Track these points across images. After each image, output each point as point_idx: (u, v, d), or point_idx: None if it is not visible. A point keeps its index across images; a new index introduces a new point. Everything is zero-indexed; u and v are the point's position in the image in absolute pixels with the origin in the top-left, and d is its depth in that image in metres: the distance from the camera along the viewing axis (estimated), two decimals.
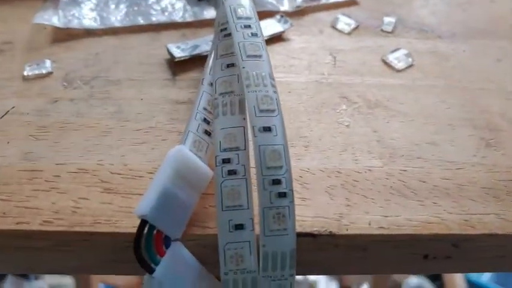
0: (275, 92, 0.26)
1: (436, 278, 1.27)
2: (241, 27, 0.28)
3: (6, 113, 0.34)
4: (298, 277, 1.24)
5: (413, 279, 1.28)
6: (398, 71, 0.38)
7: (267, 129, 0.25)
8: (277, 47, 0.39)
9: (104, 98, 0.35)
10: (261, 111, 0.26)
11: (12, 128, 0.33)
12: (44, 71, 0.36)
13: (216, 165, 0.26)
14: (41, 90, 0.35)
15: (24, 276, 1.25)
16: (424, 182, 0.30)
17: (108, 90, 0.35)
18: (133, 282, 1.27)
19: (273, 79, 0.27)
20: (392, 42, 0.40)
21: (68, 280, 1.22)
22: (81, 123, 0.33)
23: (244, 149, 0.26)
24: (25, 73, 0.36)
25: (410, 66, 0.38)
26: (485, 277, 1.20)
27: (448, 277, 1.16)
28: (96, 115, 0.33)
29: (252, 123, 0.25)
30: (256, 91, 0.26)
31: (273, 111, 0.26)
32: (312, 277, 1.30)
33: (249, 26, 0.29)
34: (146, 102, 0.34)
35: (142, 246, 0.25)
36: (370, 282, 1.03)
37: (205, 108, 0.30)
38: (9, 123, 0.33)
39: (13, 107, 0.34)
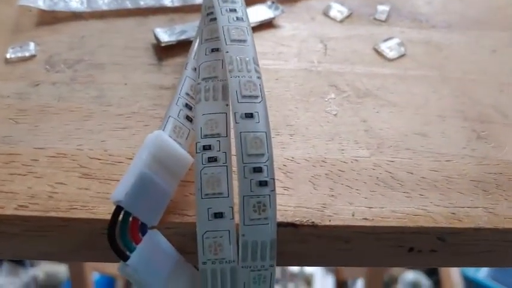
0: (259, 77, 0.26)
1: (432, 273, 1.27)
2: (226, 10, 0.28)
3: None
4: (294, 270, 1.25)
5: (409, 274, 1.28)
6: (390, 60, 0.37)
7: (249, 115, 0.25)
8: (266, 34, 0.38)
9: (86, 82, 0.34)
10: (244, 97, 0.25)
11: None
12: (27, 54, 0.35)
13: (197, 152, 0.25)
14: (23, 74, 0.34)
15: (20, 264, 1.26)
16: (411, 173, 0.30)
17: (91, 74, 0.34)
18: None
19: (258, 65, 0.26)
20: (385, 31, 0.39)
21: (62, 268, 1.22)
22: (62, 107, 0.32)
23: (226, 136, 0.25)
24: (8, 56, 0.35)
25: (402, 55, 0.37)
26: (482, 273, 1.19)
27: (444, 273, 1.16)
28: (78, 99, 0.33)
29: (234, 109, 0.25)
30: (239, 76, 0.25)
31: (256, 97, 0.25)
32: (307, 270, 1.30)
33: (235, 10, 0.28)
34: (130, 87, 0.34)
35: (117, 233, 0.24)
36: (366, 276, 1.02)
37: (187, 94, 0.29)
38: None
39: None
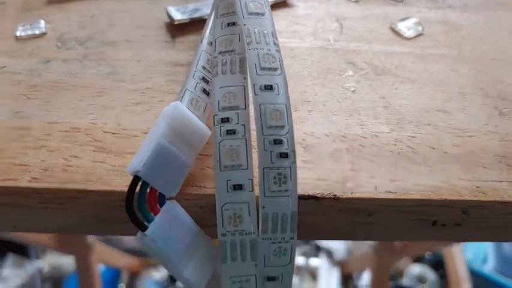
0: (277, 51, 0.25)
1: (438, 267, 1.26)
2: None
3: None
4: (299, 263, 1.24)
5: (415, 268, 1.27)
6: (408, 39, 0.36)
7: (269, 87, 0.24)
8: (281, 13, 0.38)
9: (98, 59, 0.33)
10: (263, 69, 0.24)
11: (3, 87, 0.31)
12: (37, 32, 0.35)
13: (214, 125, 0.24)
14: (34, 51, 0.34)
15: (25, 256, 1.25)
16: (433, 148, 0.29)
17: (103, 51, 0.34)
18: (135, 264, 1.26)
19: (276, 38, 0.26)
20: (401, 11, 0.38)
21: (68, 260, 1.21)
22: (74, 83, 0.31)
23: (245, 109, 0.25)
24: (18, 33, 0.35)
25: (420, 35, 0.37)
26: (488, 266, 1.19)
27: (450, 266, 1.15)
28: (90, 75, 0.32)
29: (253, 81, 0.24)
30: (257, 49, 0.25)
31: (275, 69, 0.24)
32: (313, 263, 1.29)
33: None
34: (143, 64, 0.33)
35: (135, 204, 0.24)
36: (373, 270, 1.01)
37: (204, 67, 0.28)
38: (0, 82, 0.31)
39: (4, 67, 0.32)
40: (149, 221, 0.24)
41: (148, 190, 0.24)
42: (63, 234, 0.78)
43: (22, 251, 1.25)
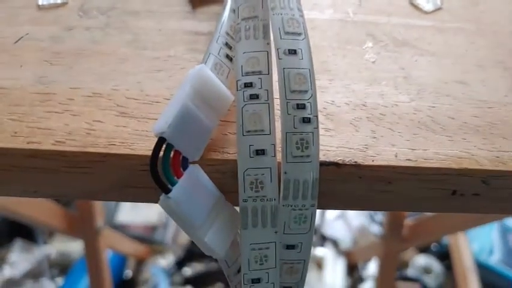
0: (301, 16, 0.25)
1: (444, 258, 1.26)
2: None
3: (20, 39, 0.32)
4: None
5: (420, 259, 1.28)
6: (427, 12, 0.36)
7: (293, 52, 0.24)
8: None
9: (120, 27, 0.33)
10: (287, 33, 0.24)
11: (26, 53, 0.31)
12: (59, 1, 0.35)
13: (237, 90, 0.24)
14: (56, 19, 0.34)
15: (33, 241, 1.26)
16: (453, 118, 0.29)
17: (125, 20, 0.34)
18: (142, 251, 1.27)
19: (300, 4, 0.26)
20: None
21: (75, 245, 1.22)
22: (96, 50, 0.32)
23: (268, 74, 0.25)
24: (40, 2, 0.35)
25: (438, 8, 0.36)
26: (494, 258, 1.19)
27: (456, 257, 1.15)
28: (113, 43, 0.32)
29: (277, 45, 0.24)
30: (281, 14, 0.25)
31: (299, 34, 0.25)
32: (318, 253, 1.30)
33: None
34: (164, 33, 0.33)
35: (159, 165, 0.24)
36: (380, 258, 1.01)
37: (227, 33, 0.29)
38: (23, 49, 0.32)
39: (27, 34, 0.33)
40: (172, 185, 0.24)
41: (172, 154, 0.25)
42: (85, 199, 0.78)
43: (30, 236, 1.26)
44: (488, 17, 0.36)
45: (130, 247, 1.23)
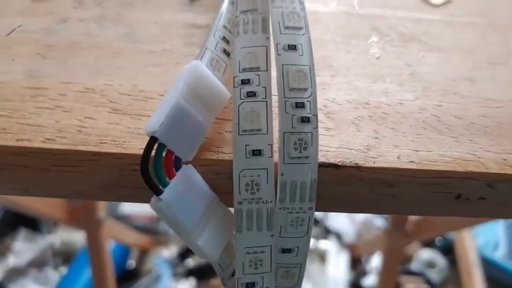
0: (302, 9, 0.24)
1: (448, 252, 1.25)
2: None
3: (12, 31, 0.31)
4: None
5: (424, 253, 1.27)
6: (435, 6, 0.35)
7: (292, 47, 0.23)
8: None
9: (116, 19, 0.32)
10: (287, 28, 0.23)
11: (18, 46, 0.30)
12: None
13: (234, 86, 0.23)
14: (50, 10, 0.33)
15: (37, 230, 1.26)
16: (460, 118, 0.28)
17: (120, 12, 0.33)
18: (145, 242, 1.27)
19: None
20: None
21: (79, 235, 1.22)
22: (91, 43, 0.31)
23: (266, 70, 0.24)
24: None
25: (448, 2, 0.35)
26: (498, 253, 1.18)
27: (460, 251, 1.14)
28: (108, 36, 0.31)
29: (276, 40, 0.23)
30: (282, 7, 0.24)
31: (299, 28, 0.23)
32: (322, 246, 1.29)
33: None
34: (161, 25, 0.32)
35: (150, 166, 0.23)
36: (383, 252, 1.00)
37: (225, 27, 0.27)
38: (16, 41, 0.31)
39: (20, 26, 0.32)
40: (164, 186, 0.23)
41: (164, 153, 0.24)
42: (76, 199, 0.78)
43: (34, 226, 1.27)
44: (498, 12, 0.35)
45: (133, 238, 1.22)
